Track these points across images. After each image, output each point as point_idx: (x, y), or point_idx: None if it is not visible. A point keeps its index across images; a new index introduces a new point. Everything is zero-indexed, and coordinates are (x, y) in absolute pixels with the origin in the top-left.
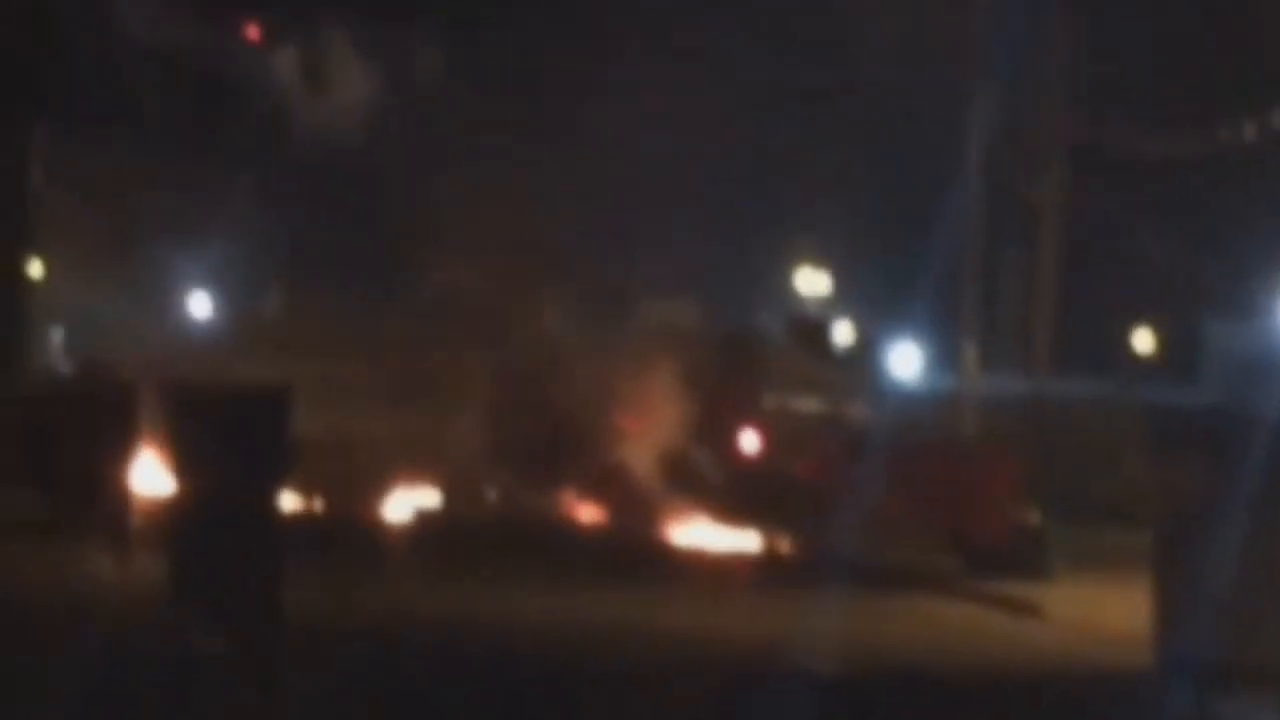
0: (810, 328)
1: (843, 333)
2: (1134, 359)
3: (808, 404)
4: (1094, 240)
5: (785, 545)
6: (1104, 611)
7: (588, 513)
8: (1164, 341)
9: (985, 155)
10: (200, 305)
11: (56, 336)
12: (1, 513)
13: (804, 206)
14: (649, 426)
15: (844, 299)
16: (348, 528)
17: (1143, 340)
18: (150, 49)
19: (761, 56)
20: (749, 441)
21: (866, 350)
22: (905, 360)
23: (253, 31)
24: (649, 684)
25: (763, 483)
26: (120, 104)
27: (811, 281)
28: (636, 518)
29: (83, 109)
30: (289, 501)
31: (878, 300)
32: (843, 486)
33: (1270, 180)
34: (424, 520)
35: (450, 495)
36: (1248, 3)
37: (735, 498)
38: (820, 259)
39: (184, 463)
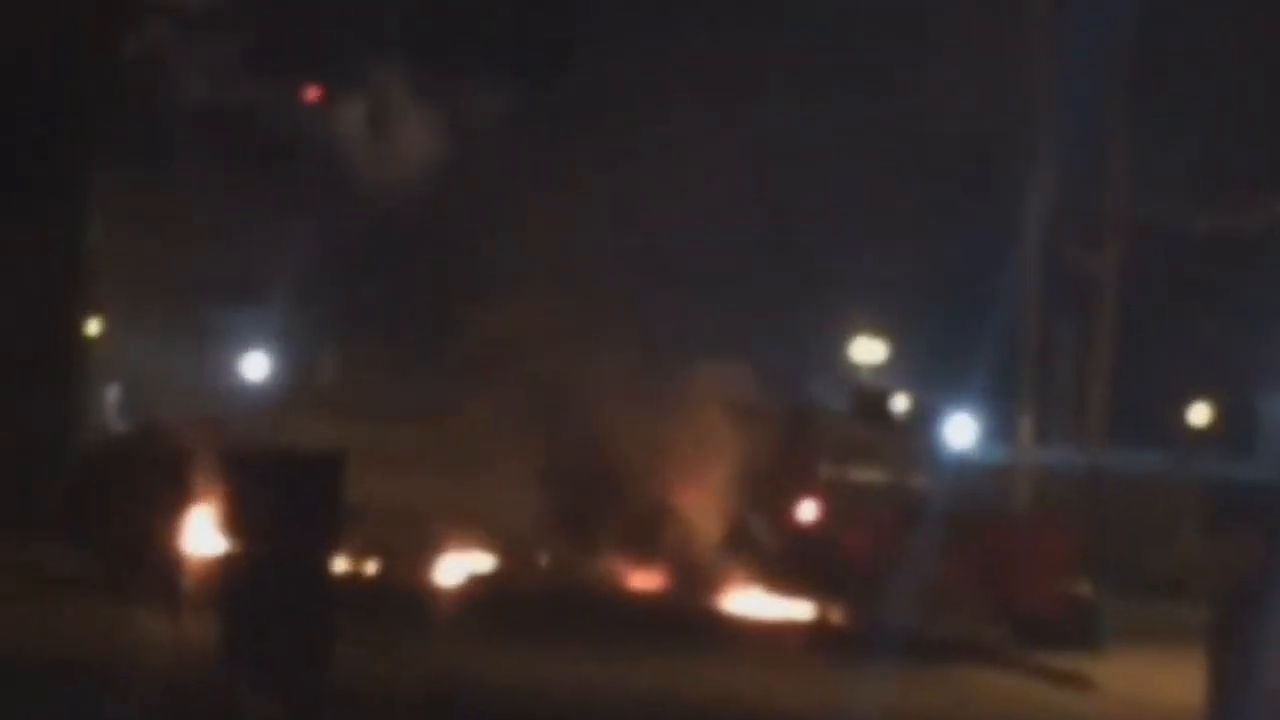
0: (873, 398)
1: (899, 403)
2: (1190, 433)
3: (867, 474)
4: (1150, 314)
5: (837, 615)
6: (1156, 685)
7: (640, 579)
8: (1221, 416)
9: (1042, 230)
10: (256, 366)
11: (112, 394)
12: (54, 571)
13: (857, 275)
14: (705, 494)
15: (898, 369)
16: (400, 591)
17: (1199, 414)
18: (210, 108)
19: (819, 121)
20: (806, 511)
21: (925, 421)
22: (960, 431)
23: (313, 93)
24: None
25: (818, 552)
26: (179, 163)
27: (867, 350)
28: (690, 585)
29: (141, 168)
30: (341, 564)
31: (932, 371)
32: (894, 557)
33: None
34: (476, 584)
35: (503, 560)
36: None
37: (790, 567)
38: (876, 328)
39: (238, 524)
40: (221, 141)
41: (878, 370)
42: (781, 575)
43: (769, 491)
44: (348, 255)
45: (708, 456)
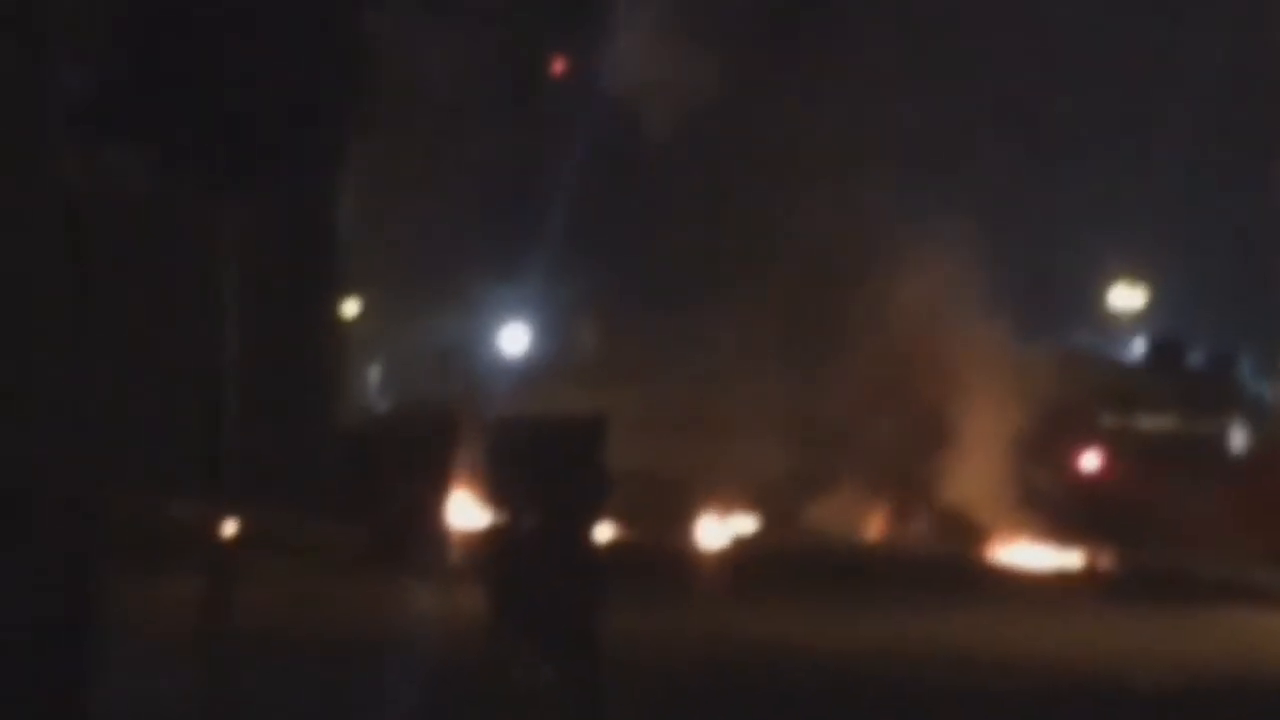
0: (1166, 347)
1: (1194, 353)
2: None
3: (1154, 422)
4: None
5: (1107, 561)
6: None
7: (907, 533)
8: None
9: None
10: (516, 339)
11: (373, 373)
12: (324, 548)
13: (1112, 221)
14: (974, 444)
15: (1157, 314)
16: (664, 556)
17: None
18: (460, 82)
19: (1076, 73)
20: (1088, 460)
21: (1225, 368)
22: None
23: (558, 65)
24: (978, 705)
25: (1099, 501)
26: (431, 135)
27: (1126, 297)
28: (958, 536)
29: (394, 144)
30: (606, 531)
31: (1191, 313)
32: (1166, 500)
33: None
34: (739, 546)
35: (765, 520)
36: None
37: (1073, 517)
38: (1132, 274)
39: (501, 495)
40: (473, 113)
41: (1137, 316)
42: (1063, 525)
43: (1049, 441)
44: (604, 220)
45: (977, 407)
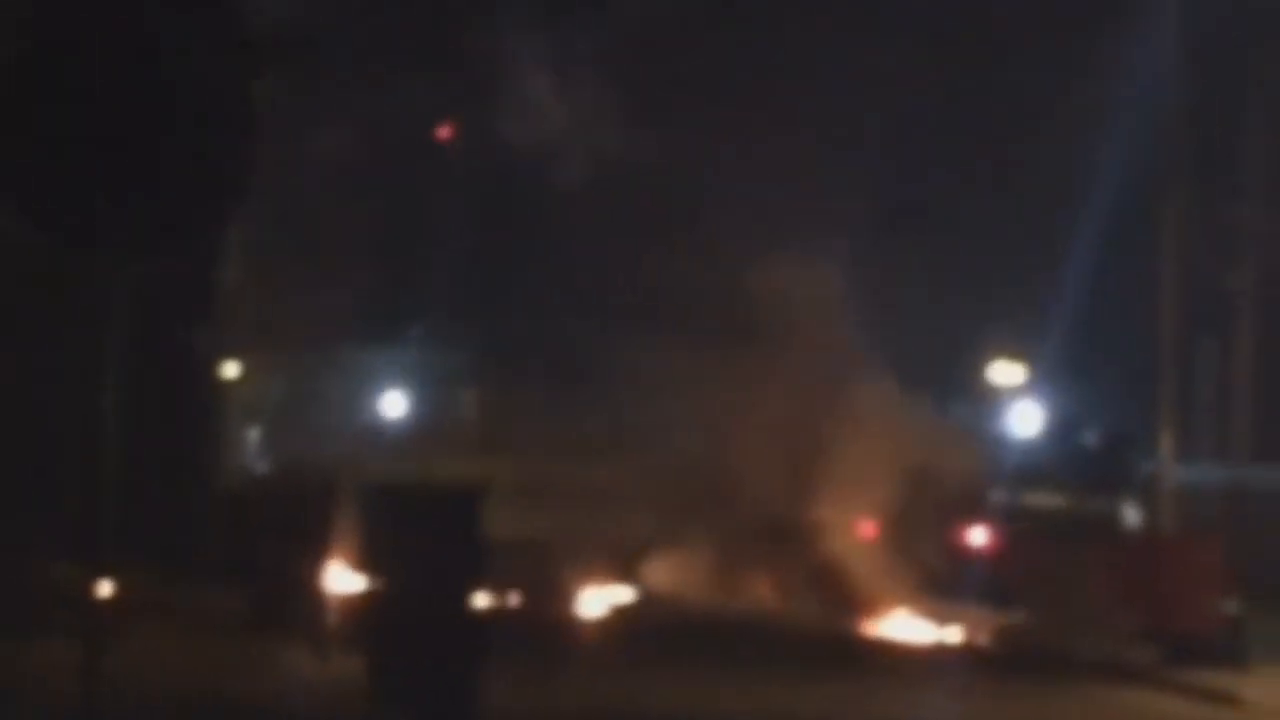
0: (1063, 427)
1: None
2: None
3: (1044, 499)
4: None
5: (985, 636)
6: None
7: (788, 604)
8: None
9: (1180, 244)
10: (394, 405)
11: (252, 435)
12: (199, 611)
13: (989, 297)
14: (858, 513)
15: (1034, 388)
16: (543, 624)
17: None
18: (342, 151)
19: (952, 144)
20: (976, 535)
21: (1116, 448)
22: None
23: (444, 131)
24: None
25: (984, 576)
26: (314, 203)
27: (1006, 373)
28: (837, 607)
29: (275, 210)
30: (484, 598)
31: (1070, 389)
32: (1042, 577)
33: None
34: (619, 615)
35: (643, 589)
36: None
37: (958, 590)
38: (1014, 350)
39: (380, 560)
40: (355, 179)
41: (1015, 392)
42: (945, 598)
43: (937, 513)
44: (484, 289)
45: (864, 481)
